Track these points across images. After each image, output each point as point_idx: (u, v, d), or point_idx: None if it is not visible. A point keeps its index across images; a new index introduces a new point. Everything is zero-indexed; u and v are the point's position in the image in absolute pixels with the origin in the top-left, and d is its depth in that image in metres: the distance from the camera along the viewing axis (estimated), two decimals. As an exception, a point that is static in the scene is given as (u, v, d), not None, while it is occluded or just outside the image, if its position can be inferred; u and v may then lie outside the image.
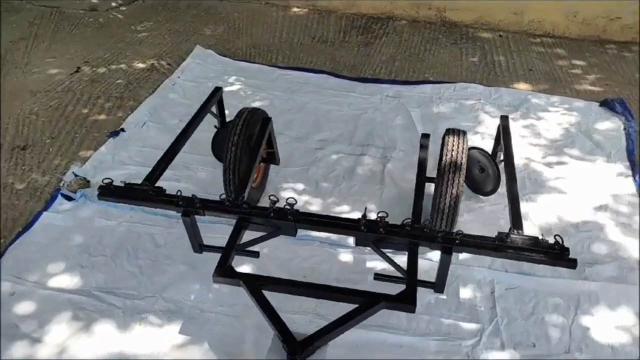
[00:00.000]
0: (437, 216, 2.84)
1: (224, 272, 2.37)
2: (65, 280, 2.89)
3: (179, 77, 4.84)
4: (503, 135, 3.19)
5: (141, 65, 5.10)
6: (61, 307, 2.73)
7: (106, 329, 2.63)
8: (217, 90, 3.57)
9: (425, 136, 3.15)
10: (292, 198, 2.52)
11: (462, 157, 2.87)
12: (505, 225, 3.10)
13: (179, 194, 2.59)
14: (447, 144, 2.90)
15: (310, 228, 2.63)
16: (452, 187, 2.83)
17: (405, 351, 2.54)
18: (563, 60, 5.34)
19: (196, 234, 2.70)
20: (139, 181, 2.72)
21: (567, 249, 2.31)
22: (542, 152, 3.95)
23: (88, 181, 3.56)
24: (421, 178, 2.87)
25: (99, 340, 2.58)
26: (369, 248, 2.99)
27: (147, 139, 4.02)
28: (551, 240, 2.31)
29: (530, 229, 3.23)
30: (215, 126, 3.72)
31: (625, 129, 4.21)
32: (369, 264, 3.01)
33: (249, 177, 3.16)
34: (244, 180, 3.03)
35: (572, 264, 2.32)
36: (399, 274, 2.65)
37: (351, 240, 3.13)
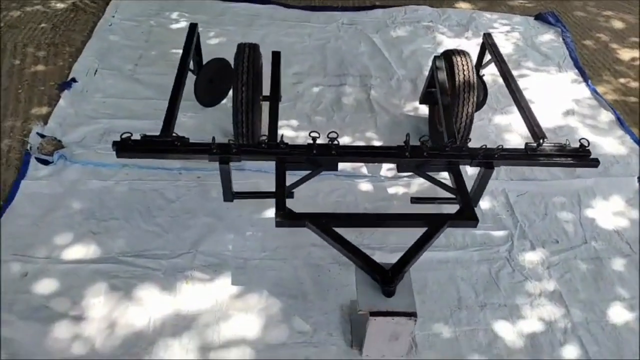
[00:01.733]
0: (457, 134, 2.91)
1: (287, 215, 2.29)
2: (81, 251, 2.61)
3: (113, 17, 4.34)
4: (493, 51, 3.30)
5: (61, 5, 4.47)
6: (90, 279, 2.48)
7: (151, 293, 2.46)
8: (194, 27, 3.27)
9: (439, 58, 3.15)
10: (334, 131, 2.47)
11: (473, 76, 2.97)
12: (495, 138, 3.34)
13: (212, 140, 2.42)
14: (457, 65, 2.97)
15: (354, 160, 2.62)
16: (469, 106, 2.94)
17: (453, 265, 2.69)
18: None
19: (230, 181, 2.56)
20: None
21: (589, 151, 2.55)
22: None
23: (59, 141, 3.15)
24: (444, 99, 2.91)
25: (149, 305, 2.41)
26: (385, 175, 3.08)
27: (107, 88, 3.62)
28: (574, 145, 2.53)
29: (516, 139, 3.48)
30: (191, 70, 3.45)
31: (563, 39, 4.59)
32: (390, 190, 3.07)
33: (260, 116, 3.04)
34: (258, 121, 2.89)
35: (595, 162, 2.56)
36: (433, 195, 2.77)
37: (365, 169, 3.18)
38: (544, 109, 3.74)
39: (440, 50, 4.30)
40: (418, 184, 3.11)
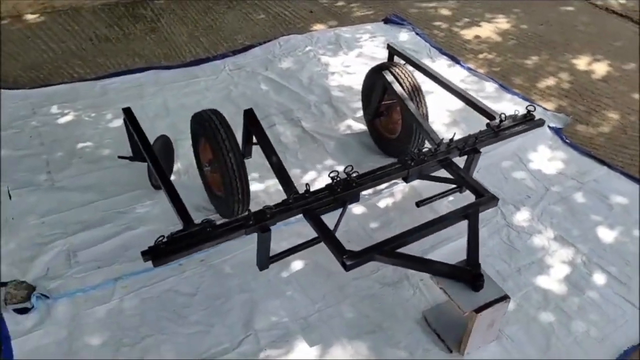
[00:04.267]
0: (423, 131, 3.14)
1: (354, 255, 2.31)
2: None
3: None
4: (404, 55, 3.64)
5: None
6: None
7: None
8: (129, 112, 3.05)
9: (383, 73, 3.33)
10: (350, 165, 2.57)
11: (416, 80, 3.28)
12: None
13: (248, 213, 2.34)
14: (401, 74, 3.25)
15: (373, 185, 2.71)
16: (424, 107, 3.24)
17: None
18: (325, -2, 6.06)
19: (269, 248, 2.48)
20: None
21: (534, 115, 3.03)
22: (390, 70, 4.62)
23: (24, 282, 2.67)
24: (410, 105, 3.14)
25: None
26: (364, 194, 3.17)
27: (35, 208, 3.13)
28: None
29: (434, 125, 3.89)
30: (121, 157, 3.23)
31: (417, 34, 5.20)
32: (381, 204, 3.23)
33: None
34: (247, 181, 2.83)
35: (542, 122, 3.06)
36: (429, 195, 2.99)
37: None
38: (442, 98, 4.20)
39: (333, 69, 4.59)
40: (400, 191, 3.32)
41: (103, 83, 4.30)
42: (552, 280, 2.78)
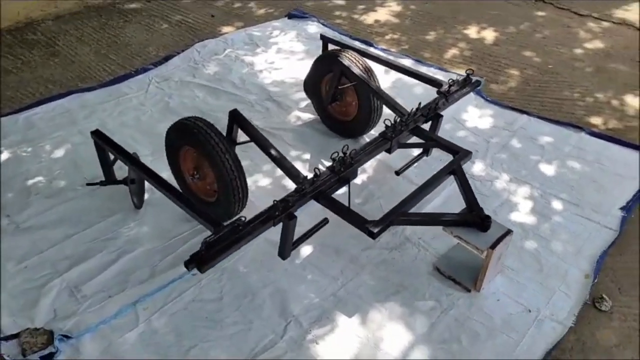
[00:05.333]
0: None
1: (378, 223, 2.51)
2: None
3: None
4: (339, 42, 3.89)
5: None
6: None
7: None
8: (100, 134, 2.95)
9: (337, 58, 3.50)
10: (346, 145, 2.76)
11: (365, 61, 3.54)
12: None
13: (274, 202, 2.43)
14: (353, 58, 3.48)
15: (366, 160, 2.91)
16: (378, 83, 3.51)
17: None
18: (222, 1, 6.08)
19: (293, 235, 2.59)
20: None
21: (471, 78, 3.45)
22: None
23: (39, 328, 2.49)
24: (373, 84, 3.38)
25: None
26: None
27: (9, 253, 2.89)
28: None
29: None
30: (90, 183, 3.14)
31: (324, 25, 5.47)
32: (357, 180, 3.44)
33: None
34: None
35: (479, 82, 3.51)
36: (410, 160, 3.25)
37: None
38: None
39: (260, 68, 4.69)
40: (370, 166, 3.54)
41: (25, 115, 3.99)
42: (523, 214, 3.21)
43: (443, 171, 2.88)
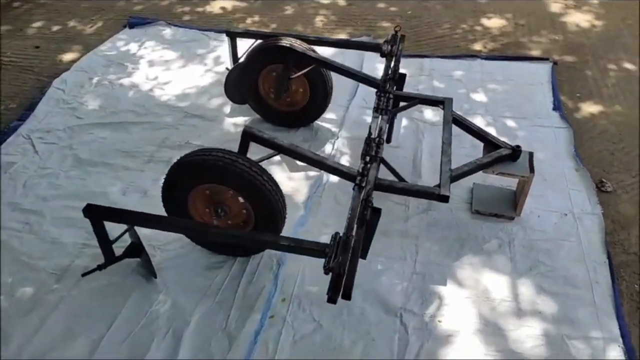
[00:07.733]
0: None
1: (443, 187, 2.54)
2: None
3: None
4: (253, 34, 3.65)
5: None
6: None
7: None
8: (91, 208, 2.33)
9: (286, 49, 3.30)
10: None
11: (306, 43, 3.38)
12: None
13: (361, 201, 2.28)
14: (297, 43, 3.29)
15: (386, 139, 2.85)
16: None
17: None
18: (33, 29, 5.09)
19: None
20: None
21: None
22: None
23: None
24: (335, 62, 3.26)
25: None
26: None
27: None
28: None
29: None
30: (86, 273, 2.56)
31: (175, 25, 5.01)
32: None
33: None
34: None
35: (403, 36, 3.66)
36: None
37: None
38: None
39: (148, 87, 4.16)
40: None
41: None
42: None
43: (448, 123, 2.98)
